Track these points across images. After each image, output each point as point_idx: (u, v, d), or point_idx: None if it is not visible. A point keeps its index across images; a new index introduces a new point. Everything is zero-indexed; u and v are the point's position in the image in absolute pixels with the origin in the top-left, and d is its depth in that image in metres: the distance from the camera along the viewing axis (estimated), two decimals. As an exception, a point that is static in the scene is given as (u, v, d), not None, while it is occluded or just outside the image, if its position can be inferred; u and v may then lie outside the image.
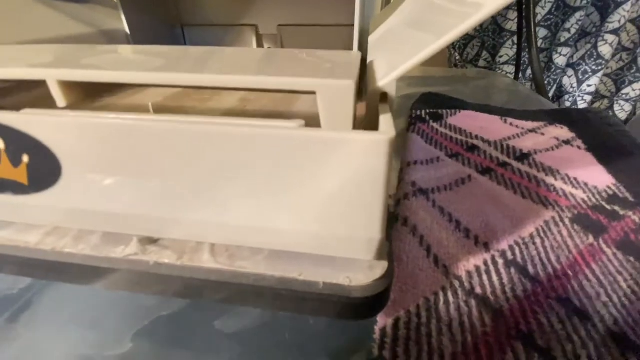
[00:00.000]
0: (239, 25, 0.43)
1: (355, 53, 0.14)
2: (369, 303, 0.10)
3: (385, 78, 0.10)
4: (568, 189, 0.20)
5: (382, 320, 0.12)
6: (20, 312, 0.13)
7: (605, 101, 0.52)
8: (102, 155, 0.10)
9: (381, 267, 0.11)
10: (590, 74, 0.48)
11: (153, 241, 0.12)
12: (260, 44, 0.44)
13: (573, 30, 0.47)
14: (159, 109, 0.19)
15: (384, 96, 0.11)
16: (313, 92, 0.09)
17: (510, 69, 0.54)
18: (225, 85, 0.09)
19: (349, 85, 0.09)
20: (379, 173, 0.09)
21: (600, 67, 0.47)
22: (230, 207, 0.10)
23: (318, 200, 0.10)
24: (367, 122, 0.11)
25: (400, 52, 0.11)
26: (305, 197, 0.10)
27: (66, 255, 0.12)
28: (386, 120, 0.09)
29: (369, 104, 0.11)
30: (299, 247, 0.11)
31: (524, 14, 0.42)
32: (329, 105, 0.09)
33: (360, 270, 0.11)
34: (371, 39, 0.23)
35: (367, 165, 0.09)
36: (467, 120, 0.31)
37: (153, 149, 0.10)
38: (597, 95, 0.51)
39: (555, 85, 0.51)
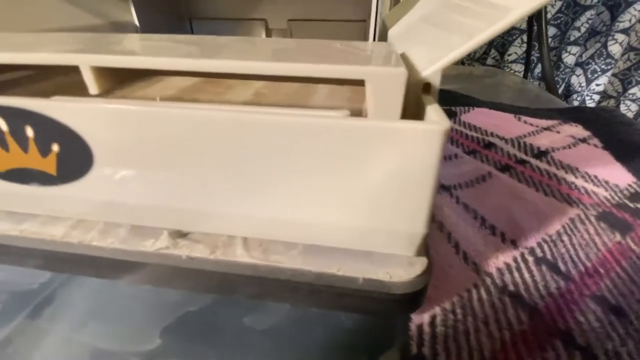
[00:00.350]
0: (248, 20, 0.42)
1: (386, 44, 0.13)
2: (409, 300, 0.10)
3: (430, 68, 0.10)
4: (590, 187, 0.20)
5: (418, 317, 0.12)
6: (42, 307, 0.13)
7: (612, 101, 0.52)
8: (137, 145, 0.10)
9: (420, 263, 0.10)
10: (599, 73, 0.48)
11: (183, 235, 0.12)
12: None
13: (583, 29, 0.47)
14: (172, 101, 0.19)
15: (426, 87, 0.10)
16: (361, 81, 0.09)
17: (519, 67, 0.54)
18: (273, 73, 0.09)
19: (402, 74, 0.08)
20: (431, 165, 0.08)
21: (609, 67, 0.47)
22: (267, 200, 0.10)
23: (362, 193, 0.09)
24: (406, 114, 0.11)
25: (437, 47, 0.11)
26: (348, 190, 0.09)
27: (94, 248, 0.11)
28: (435, 111, 0.09)
29: (408, 96, 0.11)
30: (335, 242, 0.11)
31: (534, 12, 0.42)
32: (379, 94, 0.09)
33: (399, 266, 0.10)
34: (390, 34, 0.22)
35: (419, 156, 0.08)
36: (481, 118, 0.30)
37: (190, 138, 0.09)
38: (604, 95, 0.52)
39: (563, 84, 0.51)
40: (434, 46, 0.11)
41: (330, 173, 0.09)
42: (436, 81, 0.10)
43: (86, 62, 0.09)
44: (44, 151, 0.10)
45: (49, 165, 0.10)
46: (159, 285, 0.12)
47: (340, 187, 0.09)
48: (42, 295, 0.14)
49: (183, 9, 0.42)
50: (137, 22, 0.34)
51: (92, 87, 0.10)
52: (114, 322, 0.12)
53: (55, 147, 0.10)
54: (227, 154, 0.10)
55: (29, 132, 0.10)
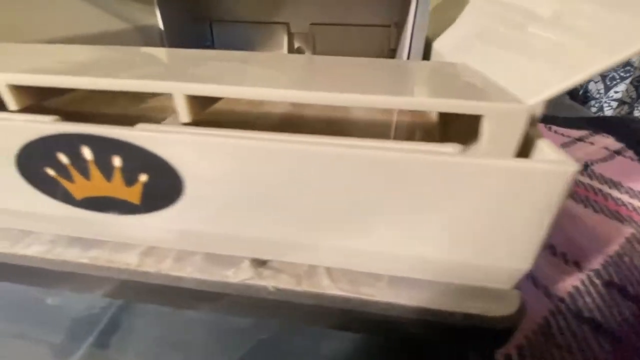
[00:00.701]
0: (269, 23, 0.42)
1: (467, 67, 0.13)
2: (505, 333, 0.10)
3: (535, 98, 0.09)
4: (636, 203, 0.20)
5: (505, 348, 0.11)
6: (108, 335, 0.13)
7: (626, 107, 0.53)
8: (231, 176, 0.09)
9: (516, 296, 0.10)
10: (618, 80, 0.49)
11: (262, 263, 0.11)
12: (291, 43, 0.43)
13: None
14: (211, 112, 0.18)
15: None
16: (476, 116, 0.08)
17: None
18: (388, 106, 0.08)
19: (524, 110, 0.08)
20: (552, 205, 0.08)
21: (629, 74, 0.47)
22: (360, 232, 0.10)
23: (468, 229, 0.09)
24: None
25: (529, 74, 0.11)
26: (453, 226, 0.09)
27: (173, 278, 0.11)
28: (550, 147, 0.09)
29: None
30: (423, 274, 0.11)
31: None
32: (496, 130, 0.08)
33: (496, 300, 0.10)
34: (437, 48, 0.22)
35: (542, 196, 0.08)
36: (511, 127, 0.30)
37: (289, 171, 0.09)
38: (620, 102, 0.52)
39: (582, 91, 0.52)
40: (522, 72, 0.11)
41: (436, 208, 0.09)
42: (539, 112, 0.10)
43: (180, 90, 0.09)
44: (130, 180, 0.10)
45: (133, 194, 0.10)
46: (240, 315, 0.11)
47: (444, 223, 0.09)
48: (104, 321, 0.13)
49: (204, 11, 0.41)
50: (161, 26, 0.33)
51: (185, 115, 0.09)
52: (185, 351, 0.12)
53: (143, 177, 0.10)
54: (322, 187, 0.09)
55: (116, 161, 0.10)
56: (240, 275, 0.11)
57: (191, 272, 0.11)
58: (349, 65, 0.13)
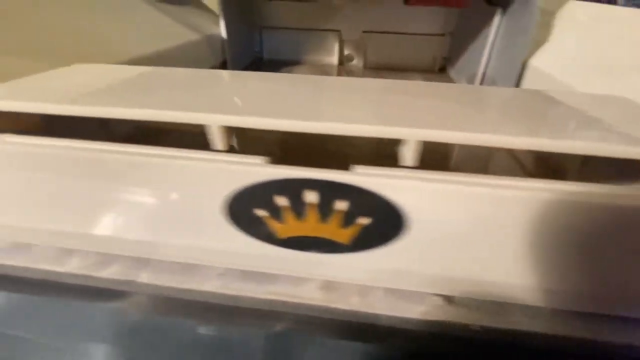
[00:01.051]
0: (321, 30, 0.42)
1: (625, 100, 0.13)
2: None
3: None
4: None
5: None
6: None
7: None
8: (453, 219, 0.09)
9: None
10: None
11: (449, 299, 0.11)
12: (341, 50, 0.42)
13: None
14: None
15: None
16: None
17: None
18: (596, 154, 0.08)
19: None
20: None
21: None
22: (556, 271, 0.10)
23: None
24: None
25: None
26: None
27: (370, 315, 0.11)
28: None
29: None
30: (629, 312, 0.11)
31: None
32: None
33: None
34: (536, 67, 0.22)
35: None
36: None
37: (513, 213, 0.09)
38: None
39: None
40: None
41: None
42: None
43: (417, 137, 0.09)
44: (348, 223, 0.10)
45: (345, 235, 0.10)
46: (432, 350, 0.11)
47: None
48: (260, 353, 0.13)
49: (256, 18, 0.41)
50: (224, 35, 0.33)
51: (414, 160, 0.09)
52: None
53: (363, 220, 0.10)
54: (537, 229, 0.09)
55: (341, 205, 0.09)
56: (438, 313, 0.11)
57: (383, 308, 0.11)
58: (518, 103, 0.13)
